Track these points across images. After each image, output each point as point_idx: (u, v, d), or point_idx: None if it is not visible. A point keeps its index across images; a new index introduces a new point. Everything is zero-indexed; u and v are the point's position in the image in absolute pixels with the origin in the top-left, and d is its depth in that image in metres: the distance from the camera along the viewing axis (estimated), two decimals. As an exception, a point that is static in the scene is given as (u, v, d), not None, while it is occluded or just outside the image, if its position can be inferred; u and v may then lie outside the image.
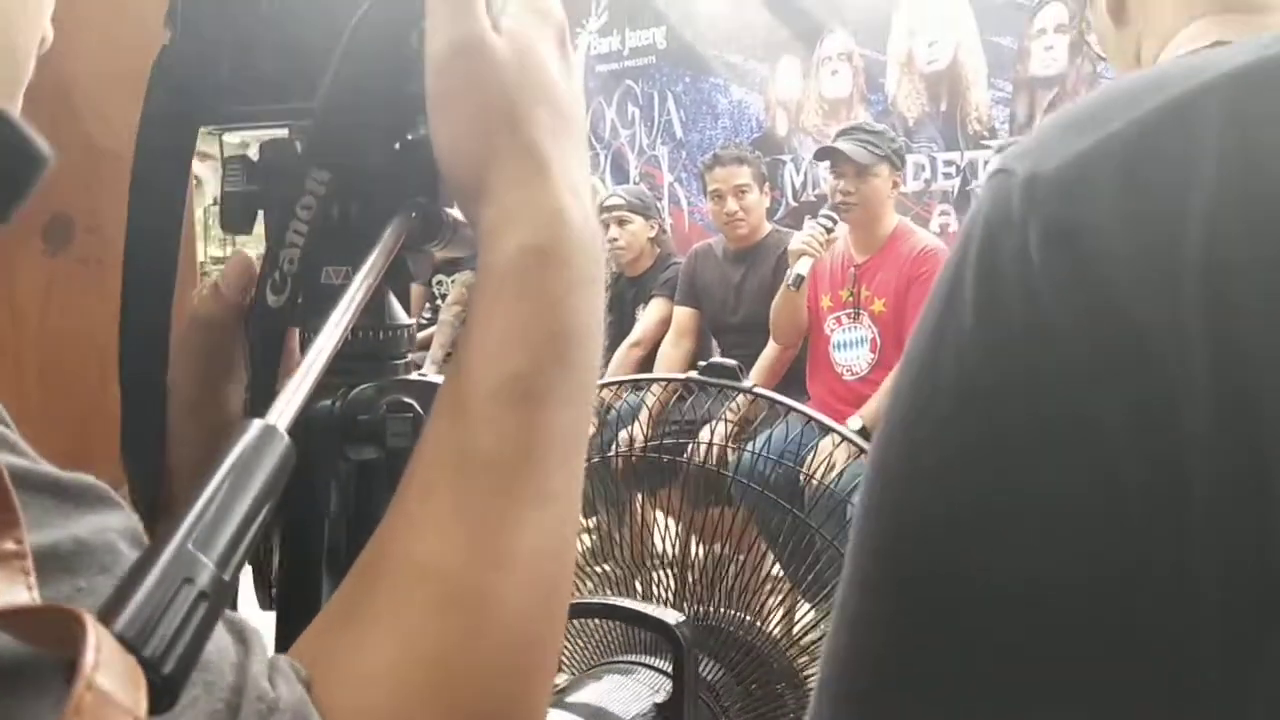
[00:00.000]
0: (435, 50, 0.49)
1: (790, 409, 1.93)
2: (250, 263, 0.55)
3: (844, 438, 1.84)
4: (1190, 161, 0.30)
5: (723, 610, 1.39)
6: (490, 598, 0.43)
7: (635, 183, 5.56)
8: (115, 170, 0.55)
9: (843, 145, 3.29)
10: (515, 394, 0.46)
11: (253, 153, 0.56)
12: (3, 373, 0.81)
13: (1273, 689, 0.30)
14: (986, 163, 3.82)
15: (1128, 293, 0.31)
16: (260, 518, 0.36)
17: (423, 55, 0.50)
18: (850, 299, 3.37)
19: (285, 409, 0.40)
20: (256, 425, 0.38)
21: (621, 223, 4.07)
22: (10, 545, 0.38)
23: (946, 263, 0.37)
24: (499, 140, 0.48)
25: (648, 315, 4.06)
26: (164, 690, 0.31)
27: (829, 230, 3.20)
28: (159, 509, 0.54)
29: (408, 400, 0.53)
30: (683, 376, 1.80)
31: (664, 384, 1.63)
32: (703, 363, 1.64)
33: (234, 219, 0.55)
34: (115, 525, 0.37)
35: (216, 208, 0.56)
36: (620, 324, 4.12)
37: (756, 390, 1.41)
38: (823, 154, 3.45)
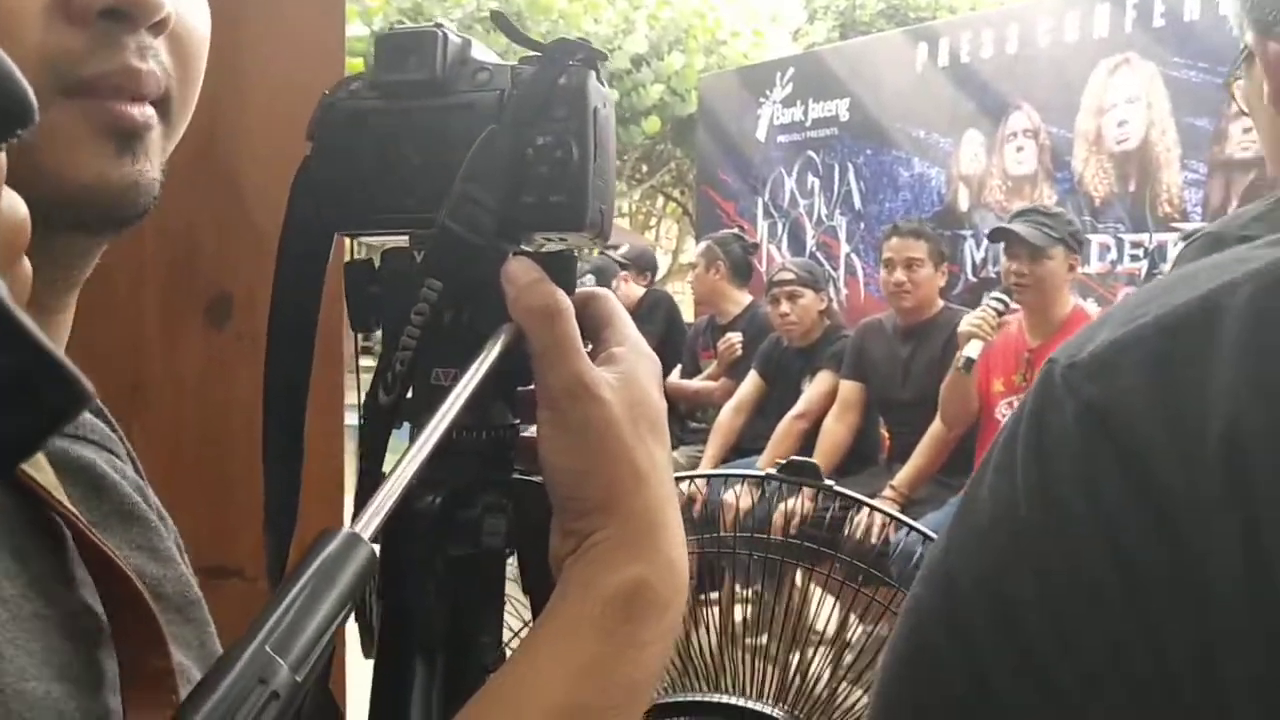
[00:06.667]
0: (547, 389, 0.52)
1: (862, 504, 1.92)
2: None
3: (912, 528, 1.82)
4: (1213, 349, 0.33)
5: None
6: None
7: (812, 252, 5.55)
8: (273, 250, 0.59)
9: (1017, 227, 3.25)
10: None
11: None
12: (163, 440, 0.88)
13: None
14: (1176, 245, 3.68)
15: (1156, 466, 0.33)
16: (337, 623, 0.39)
17: (533, 171, 0.53)
18: (1023, 383, 3.28)
19: (372, 518, 0.43)
20: (343, 534, 0.42)
21: (792, 297, 4.06)
22: (157, 663, 0.43)
23: (997, 440, 0.39)
24: (615, 474, 0.52)
25: (814, 388, 4.02)
26: None
27: (1000, 313, 3.15)
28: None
29: (504, 501, 0.56)
30: (762, 474, 1.81)
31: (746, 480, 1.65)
32: (781, 461, 1.66)
33: (359, 319, 0.59)
34: None
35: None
36: (784, 396, 4.10)
37: (835, 488, 1.39)
38: (997, 235, 3.41)
